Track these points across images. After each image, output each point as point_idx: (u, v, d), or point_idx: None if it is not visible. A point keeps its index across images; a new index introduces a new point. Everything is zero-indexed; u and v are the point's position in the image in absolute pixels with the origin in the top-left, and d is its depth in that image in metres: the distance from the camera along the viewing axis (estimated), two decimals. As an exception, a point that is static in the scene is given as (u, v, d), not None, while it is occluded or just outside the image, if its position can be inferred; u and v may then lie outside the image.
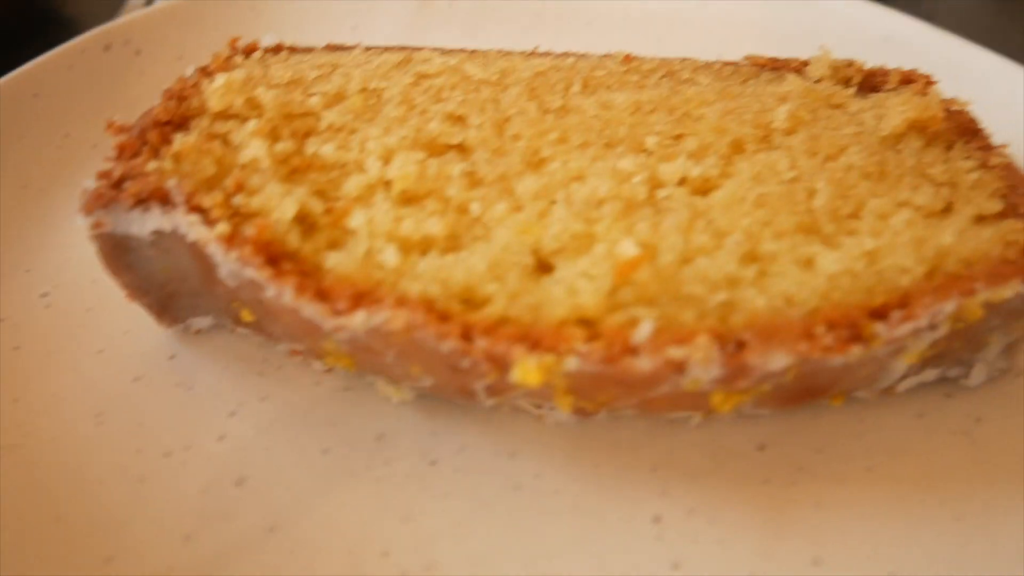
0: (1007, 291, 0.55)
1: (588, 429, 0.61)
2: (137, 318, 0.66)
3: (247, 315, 0.62)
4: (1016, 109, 0.78)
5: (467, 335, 0.52)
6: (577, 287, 0.54)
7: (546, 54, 0.75)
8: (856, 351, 0.53)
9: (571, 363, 0.51)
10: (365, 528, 0.56)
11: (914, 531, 0.55)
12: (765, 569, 0.54)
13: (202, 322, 0.66)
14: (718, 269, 0.55)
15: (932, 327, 0.54)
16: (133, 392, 0.63)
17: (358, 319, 0.53)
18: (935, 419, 0.61)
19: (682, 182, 0.61)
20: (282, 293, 0.55)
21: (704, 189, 0.61)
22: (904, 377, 0.60)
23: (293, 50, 0.74)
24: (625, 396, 0.55)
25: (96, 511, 0.56)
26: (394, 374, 0.59)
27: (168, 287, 0.63)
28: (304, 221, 0.58)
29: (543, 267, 0.56)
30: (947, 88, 0.69)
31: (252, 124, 0.62)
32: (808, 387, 0.57)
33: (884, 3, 0.93)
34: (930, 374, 0.61)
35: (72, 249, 0.71)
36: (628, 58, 0.73)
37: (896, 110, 0.65)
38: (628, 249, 0.55)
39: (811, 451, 0.60)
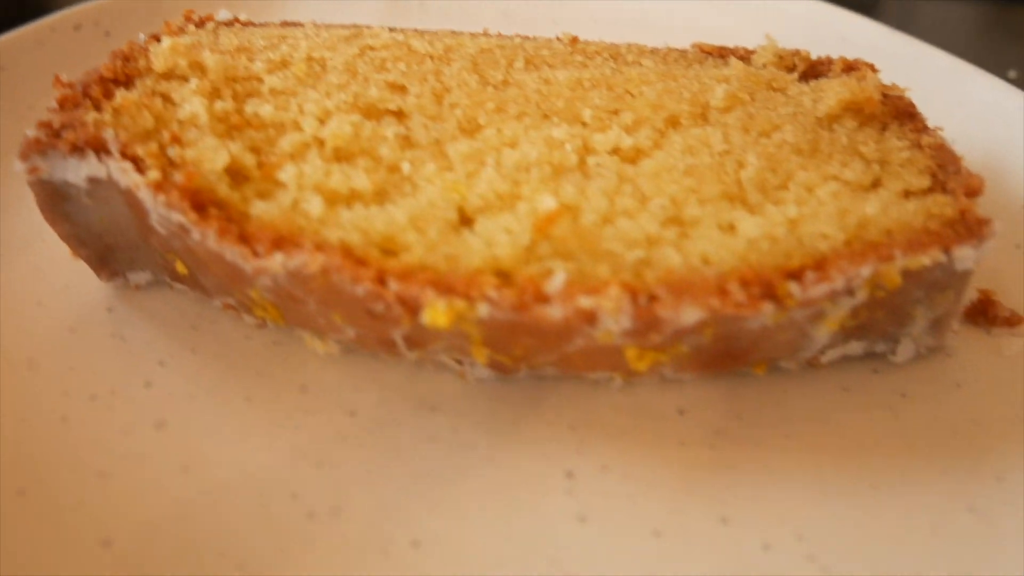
0: (925, 259, 0.55)
1: (510, 388, 0.61)
2: (79, 273, 0.68)
3: (181, 267, 0.63)
4: (970, 107, 0.79)
5: (381, 279, 0.53)
6: (495, 240, 0.55)
7: (494, 35, 0.77)
8: (769, 309, 0.53)
9: (483, 309, 0.52)
10: (277, 472, 0.56)
11: (826, 497, 0.55)
12: (671, 524, 0.54)
13: (141, 277, 0.67)
14: (639, 230, 0.56)
15: (849, 292, 0.55)
16: (67, 341, 0.64)
17: (276, 261, 0.54)
18: (860, 393, 0.61)
19: (614, 152, 0.62)
20: (206, 237, 0.56)
21: (635, 159, 0.62)
22: (828, 348, 0.60)
23: (246, 24, 0.75)
24: (541, 350, 0.56)
25: (13, 447, 0.56)
26: (319, 326, 0.59)
27: (106, 239, 0.64)
28: (236, 174, 0.60)
29: (466, 223, 0.57)
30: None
31: (194, 83, 0.64)
32: (728, 351, 0.58)
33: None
34: (855, 347, 0.61)
35: (29, 211, 0.72)
36: (574, 40, 0.75)
37: (832, 91, 0.66)
38: (547, 203, 0.56)
39: (731, 417, 0.60)
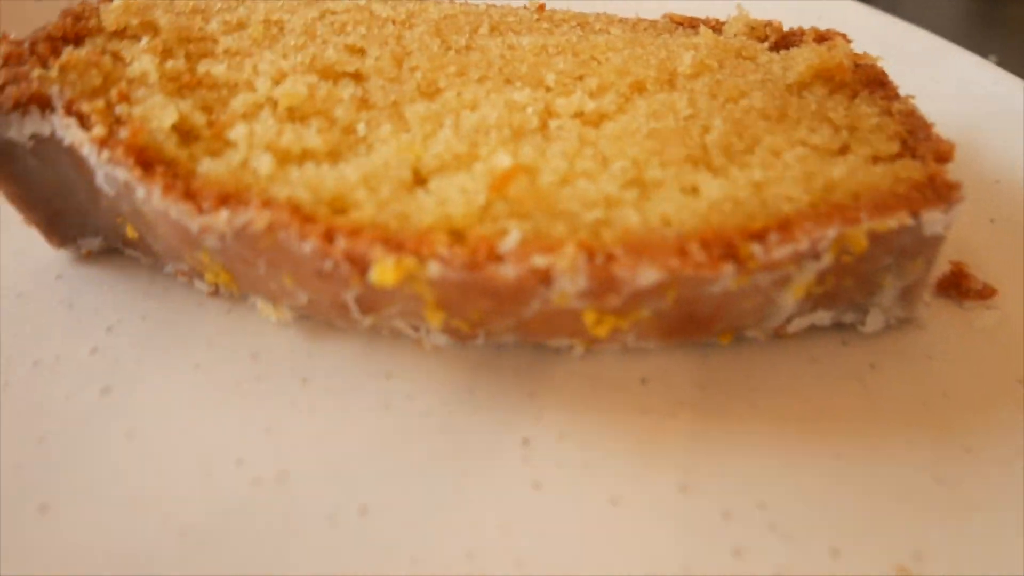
0: (892, 222, 0.54)
1: (468, 355, 0.59)
2: (31, 240, 0.66)
3: (131, 231, 0.61)
4: (945, 83, 0.77)
5: (329, 236, 0.51)
6: (449, 199, 0.53)
7: (459, 1, 0.75)
8: (730, 271, 0.51)
9: (433, 268, 0.50)
10: (224, 437, 0.54)
11: (790, 466, 0.54)
12: (628, 492, 0.52)
13: (92, 243, 0.65)
14: (598, 191, 0.55)
15: (814, 255, 0.53)
16: (14, 307, 0.62)
17: (222, 218, 0.52)
18: (828, 364, 0.60)
19: (577, 115, 0.61)
20: (151, 194, 0.54)
21: (598, 122, 0.61)
22: (795, 316, 0.58)
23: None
24: (497, 313, 0.54)
25: (-50, 411, 0.54)
26: (270, 291, 0.58)
27: (55, 203, 0.62)
28: (186, 133, 0.58)
29: (420, 183, 0.56)
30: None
31: (145, 42, 0.62)
32: (691, 317, 0.56)
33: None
34: (824, 316, 0.59)
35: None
36: (541, 8, 0.73)
37: (802, 57, 0.65)
38: (503, 161, 0.54)
39: (695, 387, 0.58)
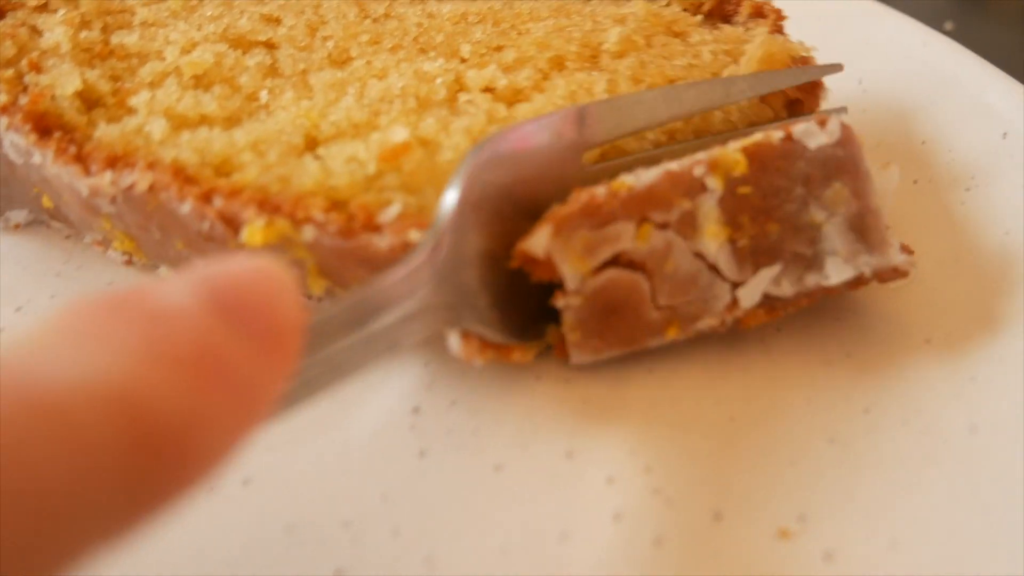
0: (758, 135, 0.53)
1: (368, 325, 0.59)
2: (-45, 213, 0.66)
3: (47, 201, 0.62)
4: (876, 44, 0.76)
5: (207, 197, 0.51)
6: (336, 166, 0.53)
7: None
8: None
9: (308, 232, 0.50)
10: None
11: (681, 430, 0.52)
12: (513, 458, 0.51)
13: (19, 215, 0.66)
14: None
15: (699, 185, 0.51)
16: (-72, 284, 0.63)
17: (106, 179, 0.52)
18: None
19: (488, 90, 0.60)
20: (46, 158, 0.54)
21: (511, 99, 0.60)
22: (739, 284, 0.54)
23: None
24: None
25: None
26: (170, 257, 0.58)
27: (-26, 174, 0.63)
28: (93, 101, 0.58)
29: (314, 149, 0.55)
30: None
31: (61, 13, 0.63)
32: (609, 306, 0.53)
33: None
34: (774, 278, 0.54)
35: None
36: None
37: (746, 58, 0.63)
38: (397, 134, 0.54)
39: (595, 355, 0.57)
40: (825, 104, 0.64)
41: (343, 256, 0.51)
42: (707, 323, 0.53)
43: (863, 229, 0.53)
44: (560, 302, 0.52)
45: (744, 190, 0.52)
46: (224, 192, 0.51)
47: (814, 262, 0.53)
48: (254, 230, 0.49)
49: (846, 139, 0.53)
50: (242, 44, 0.63)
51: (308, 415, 0.53)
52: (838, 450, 0.51)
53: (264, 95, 0.58)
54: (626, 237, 0.51)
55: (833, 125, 0.53)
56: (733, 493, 0.49)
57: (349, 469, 0.51)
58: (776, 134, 0.53)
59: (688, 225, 0.52)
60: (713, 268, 0.52)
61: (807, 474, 0.50)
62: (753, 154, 0.52)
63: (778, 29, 0.67)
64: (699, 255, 0.52)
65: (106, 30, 0.64)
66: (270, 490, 0.51)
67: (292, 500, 0.50)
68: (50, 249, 0.66)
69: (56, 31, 0.61)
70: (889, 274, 0.53)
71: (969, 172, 0.66)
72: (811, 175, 0.53)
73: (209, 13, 0.65)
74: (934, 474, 0.49)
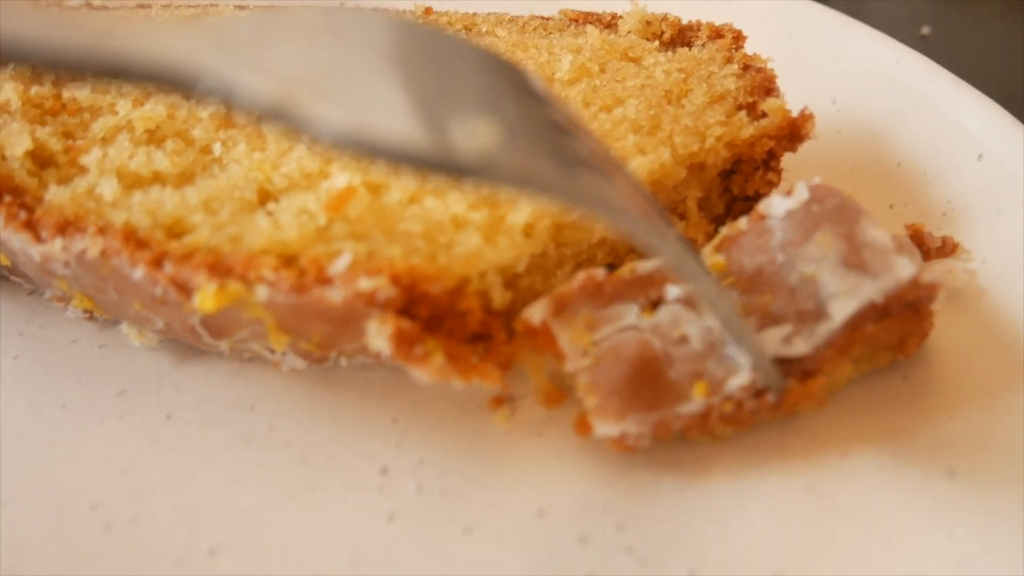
0: (725, 229, 0.54)
1: (332, 380, 0.57)
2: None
3: (3, 258, 0.60)
4: (851, 61, 0.74)
5: (158, 262, 0.50)
6: (284, 221, 0.51)
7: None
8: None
9: (261, 292, 0.49)
10: (81, 481, 0.53)
11: (653, 485, 0.51)
12: (484, 519, 0.50)
13: (-20, 272, 0.64)
14: (445, 211, 0.53)
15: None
16: None
17: (57, 246, 0.51)
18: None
19: None
20: (-4, 225, 0.53)
21: None
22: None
23: (99, 8, 0.73)
24: (339, 336, 0.52)
25: None
26: (129, 315, 0.56)
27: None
28: (45, 160, 0.57)
29: (269, 203, 0.54)
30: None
31: (11, 68, 0.61)
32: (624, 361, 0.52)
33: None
34: (779, 337, 0.52)
35: None
36: (428, 11, 0.71)
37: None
38: (338, 182, 0.52)
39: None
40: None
41: (299, 312, 0.50)
42: (737, 383, 0.49)
43: (859, 263, 0.51)
44: (570, 366, 0.50)
45: (728, 281, 0.52)
46: (175, 257, 0.50)
47: (820, 312, 0.50)
48: (206, 296, 0.48)
49: (821, 195, 0.53)
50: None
51: (274, 477, 0.52)
52: (814, 499, 0.50)
53: (218, 148, 0.57)
54: (630, 316, 0.51)
55: (800, 192, 0.53)
56: (708, 550, 0.48)
57: (317, 535, 0.50)
58: (743, 220, 0.52)
59: (691, 303, 0.52)
60: (723, 338, 0.51)
61: (783, 526, 0.49)
62: (729, 248, 0.52)
63: (738, 48, 0.66)
64: (708, 329, 0.51)
65: (57, 83, 0.62)
66: (237, 560, 0.49)
67: (259, 569, 0.49)
68: (13, 305, 0.64)
69: (6, 87, 0.60)
70: (910, 290, 0.50)
71: (945, 195, 0.65)
72: (788, 239, 0.52)
73: (162, 62, 0.63)
74: (912, 522, 0.48)
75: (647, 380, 0.50)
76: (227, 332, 0.54)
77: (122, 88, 0.61)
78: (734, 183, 0.62)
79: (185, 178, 0.55)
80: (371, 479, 0.52)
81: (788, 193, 0.53)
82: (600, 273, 0.52)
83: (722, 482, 0.51)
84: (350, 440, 0.55)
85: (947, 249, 0.60)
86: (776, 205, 0.53)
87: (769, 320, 0.50)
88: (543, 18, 0.71)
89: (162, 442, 0.55)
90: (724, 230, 0.54)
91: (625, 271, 0.52)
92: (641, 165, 0.56)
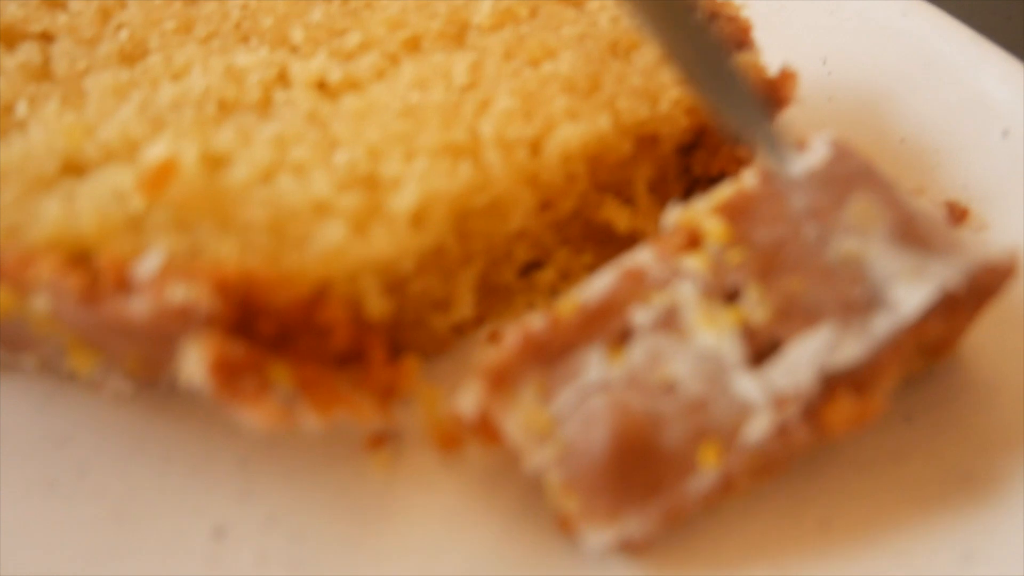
0: (725, 188, 0.41)
1: (167, 408, 0.45)
2: None
3: None
4: (849, 18, 0.61)
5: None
6: (82, 205, 0.38)
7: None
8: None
9: (40, 302, 0.36)
10: None
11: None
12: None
13: None
14: (304, 192, 0.39)
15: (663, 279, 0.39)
16: None
17: None
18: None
19: (318, 85, 0.46)
20: None
21: (342, 94, 0.45)
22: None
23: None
24: (163, 357, 0.39)
25: None
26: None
27: None
28: None
29: (75, 175, 0.41)
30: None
31: None
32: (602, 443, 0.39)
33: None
34: (819, 344, 0.40)
35: None
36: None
37: None
38: (154, 152, 0.39)
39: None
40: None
41: (100, 328, 0.37)
42: (758, 428, 0.36)
43: (916, 237, 0.38)
44: (530, 463, 0.37)
45: (736, 257, 0.39)
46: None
47: (873, 300, 0.38)
48: (-38, 307, 0.35)
49: (842, 153, 0.40)
50: (9, 36, 0.48)
51: (78, 541, 0.39)
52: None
53: (22, 107, 0.44)
54: (592, 366, 0.38)
55: (818, 147, 0.40)
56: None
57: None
58: (748, 178, 0.40)
59: (672, 325, 0.38)
60: (727, 367, 0.38)
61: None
62: (731, 211, 0.39)
63: None
64: (703, 357, 0.38)
65: None
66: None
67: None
68: None
69: None
70: (989, 274, 0.38)
71: (960, 179, 0.52)
72: (814, 206, 0.39)
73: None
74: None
75: (636, 459, 0.36)
76: (25, 345, 0.42)
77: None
78: (696, 161, 0.49)
79: (-28, 145, 0.42)
80: (200, 544, 0.40)
81: (802, 146, 0.41)
82: (536, 321, 0.39)
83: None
84: (181, 488, 0.42)
85: (956, 215, 0.49)
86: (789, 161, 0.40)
87: (801, 315, 0.38)
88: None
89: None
90: (723, 189, 0.41)
91: (567, 308, 0.39)
92: (572, 135, 0.43)
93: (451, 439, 0.42)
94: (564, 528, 0.38)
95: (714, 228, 0.40)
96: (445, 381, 0.43)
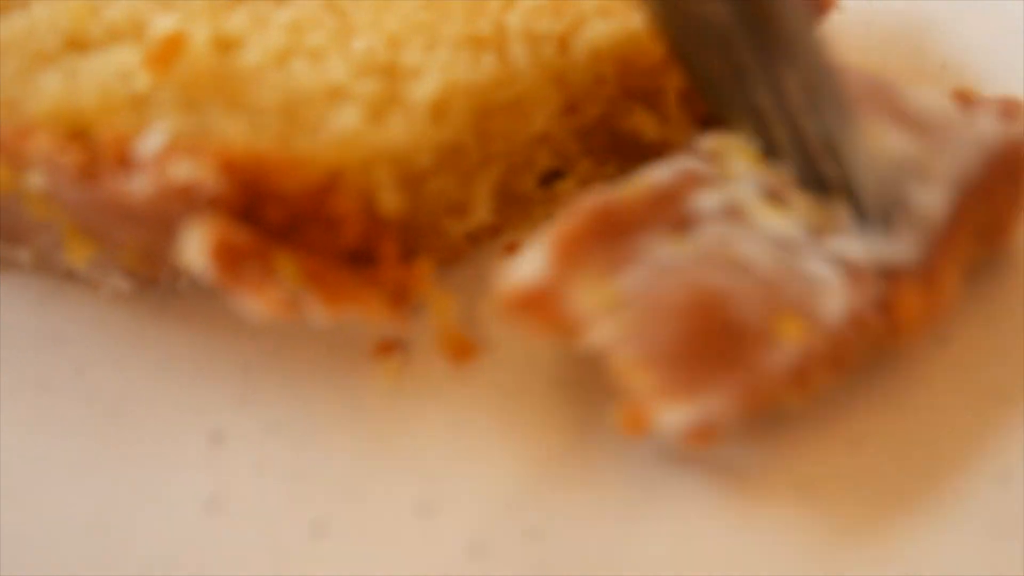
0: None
1: (171, 309, 0.43)
2: None
3: None
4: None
5: None
6: (84, 80, 0.37)
7: None
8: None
9: (35, 178, 0.34)
10: None
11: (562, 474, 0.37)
12: (343, 514, 0.36)
13: None
14: (319, 77, 0.38)
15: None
16: None
17: None
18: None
19: None
20: None
21: None
22: None
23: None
24: (165, 244, 0.37)
25: None
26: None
27: None
28: None
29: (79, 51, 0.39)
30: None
31: None
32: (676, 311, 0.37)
33: None
34: None
35: None
36: None
37: None
38: (161, 25, 0.38)
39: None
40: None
41: (102, 209, 0.36)
42: (836, 306, 0.35)
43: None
44: (594, 338, 0.34)
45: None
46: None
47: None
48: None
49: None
50: None
51: (72, 445, 0.38)
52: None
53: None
54: (660, 247, 0.36)
55: None
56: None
57: (116, 526, 0.36)
58: None
59: (736, 213, 0.37)
60: (798, 247, 0.36)
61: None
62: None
63: None
64: (772, 240, 0.36)
65: None
66: (14, 554, 0.35)
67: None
68: None
69: None
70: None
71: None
72: None
73: None
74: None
75: (715, 331, 0.34)
76: (20, 237, 0.40)
77: None
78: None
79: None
80: (197, 448, 0.38)
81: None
82: (604, 195, 0.37)
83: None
84: (179, 391, 0.40)
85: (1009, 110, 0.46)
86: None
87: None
88: None
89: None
90: None
91: (636, 185, 0.37)
92: (603, 32, 0.41)
93: (463, 349, 0.40)
94: (629, 424, 0.35)
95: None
96: (458, 292, 0.41)
